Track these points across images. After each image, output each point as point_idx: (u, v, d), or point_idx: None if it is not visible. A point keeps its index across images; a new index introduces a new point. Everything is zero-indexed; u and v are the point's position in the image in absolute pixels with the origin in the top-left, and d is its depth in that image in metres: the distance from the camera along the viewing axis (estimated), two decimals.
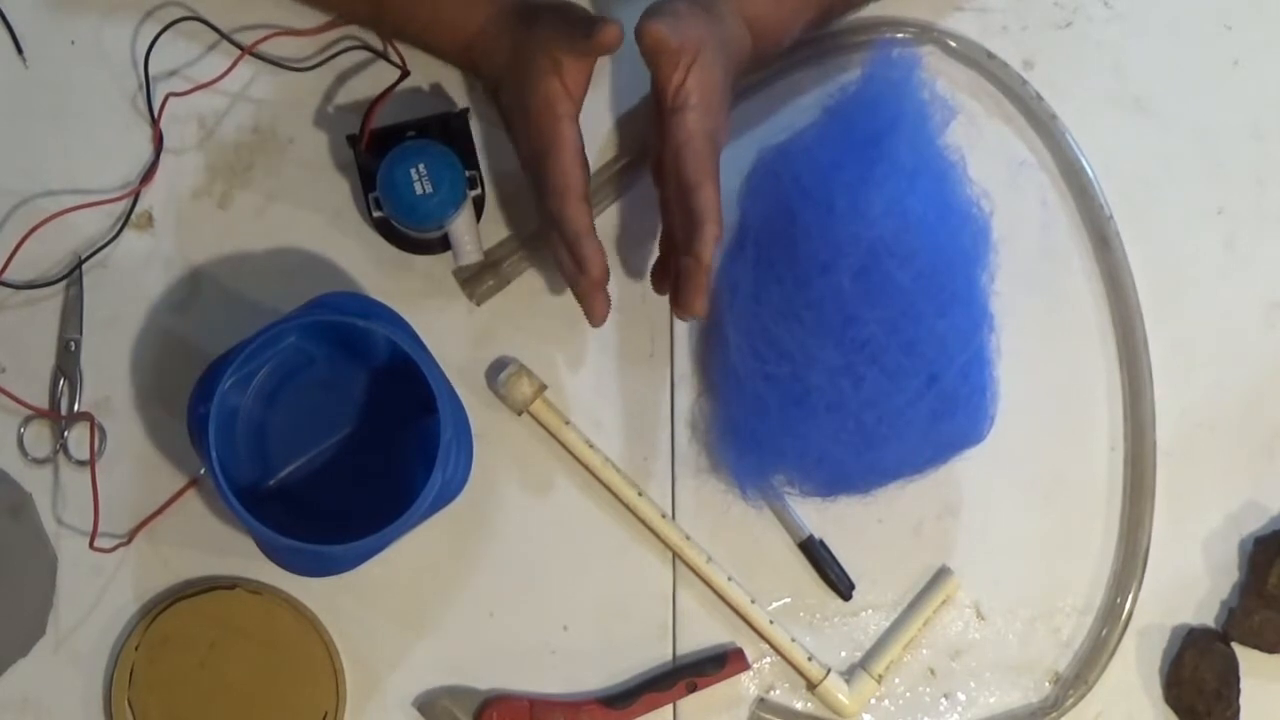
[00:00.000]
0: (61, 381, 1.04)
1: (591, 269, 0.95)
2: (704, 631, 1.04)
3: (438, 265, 1.06)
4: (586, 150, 0.98)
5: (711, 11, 0.97)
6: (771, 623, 1.03)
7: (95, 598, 1.03)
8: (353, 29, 1.07)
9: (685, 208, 0.94)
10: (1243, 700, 1.03)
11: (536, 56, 0.96)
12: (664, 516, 1.04)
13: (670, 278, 0.97)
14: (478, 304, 1.06)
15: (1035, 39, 1.10)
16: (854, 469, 0.98)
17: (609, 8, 1.08)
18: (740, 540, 1.05)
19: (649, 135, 0.99)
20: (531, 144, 0.97)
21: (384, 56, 1.07)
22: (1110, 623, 1.04)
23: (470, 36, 1.02)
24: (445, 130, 1.03)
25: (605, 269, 0.96)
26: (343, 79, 1.08)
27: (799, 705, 1.05)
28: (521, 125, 0.98)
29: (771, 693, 1.05)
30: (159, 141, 1.06)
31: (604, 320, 0.98)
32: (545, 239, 1.00)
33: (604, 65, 1.06)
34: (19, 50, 1.07)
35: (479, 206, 1.04)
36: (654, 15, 0.94)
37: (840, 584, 1.05)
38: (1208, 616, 1.06)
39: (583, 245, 0.95)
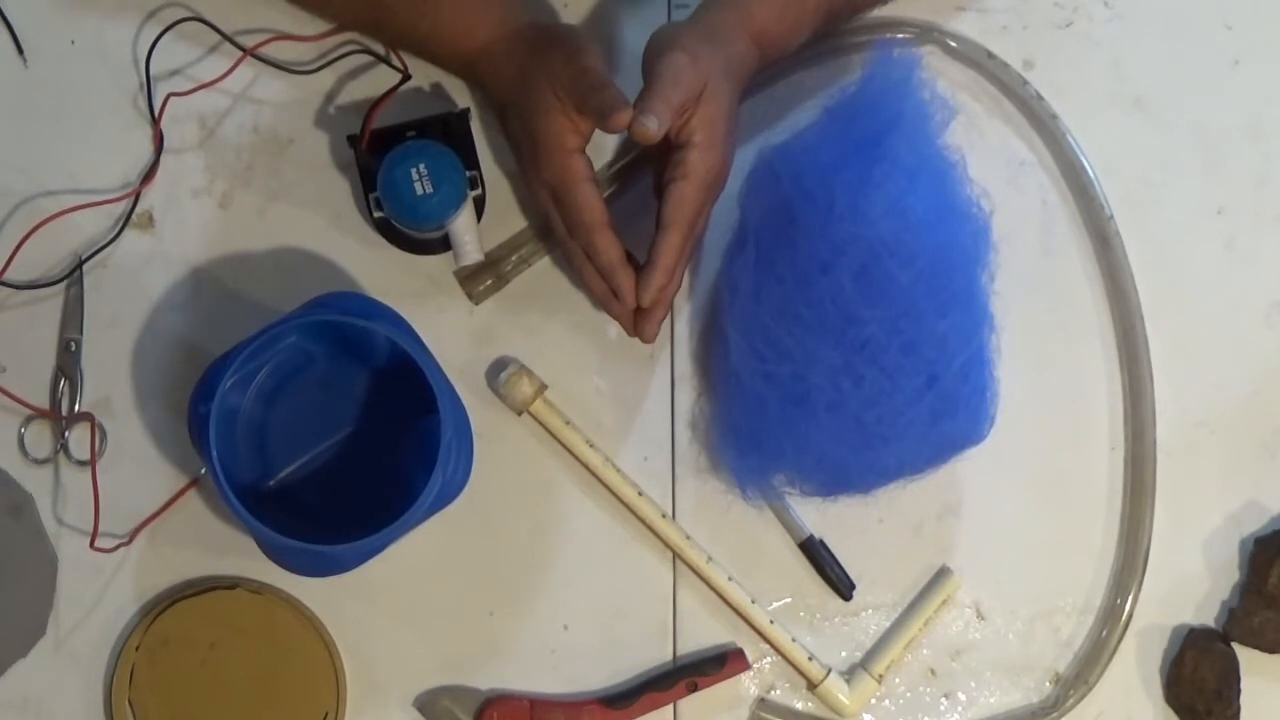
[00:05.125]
0: (62, 381, 1.04)
1: (628, 298, 0.98)
2: (704, 631, 1.04)
3: (438, 265, 1.06)
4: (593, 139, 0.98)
5: (715, 39, 0.98)
6: (772, 623, 1.03)
7: (95, 598, 1.03)
8: (355, 33, 1.07)
9: (651, 243, 0.96)
10: (1243, 700, 1.03)
11: (544, 91, 0.96)
12: (664, 516, 1.04)
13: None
14: (476, 304, 1.06)
15: (1035, 39, 1.10)
16: (854, 469, 0.98)
17: (618, 5, 1.08)
18: (740, 540, 1.05)
19: (651, 151, 0.99)
20: (545, 177, 0.98)
21: (385, 61, 1.07)
22: (1110, 623, 1.04)
23: (472, 53, 1.02)
24: (446, 130, 1.03)
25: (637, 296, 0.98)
26: (344, 80, 1.08)
27: (799, 705, 1.05)
28: (531, 154, 0.99)
29: (772, 693, 1.05)
30: (160, 141, 1.06)
31: (655, 338, 1.00)
32: (570, 264, 1.01)
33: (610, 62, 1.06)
34: (19, 50, 1.07)
35: (479, 206, 1.04)
36: (646, 101, 0.93)
37: (840, 584, 1.05)
38: (1208, 616, 1.06)
39: (618, 276, 0.98)
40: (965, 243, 0.97)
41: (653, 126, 0.92)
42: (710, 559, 1.04)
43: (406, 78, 1.05)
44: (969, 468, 1.03)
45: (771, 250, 0.97)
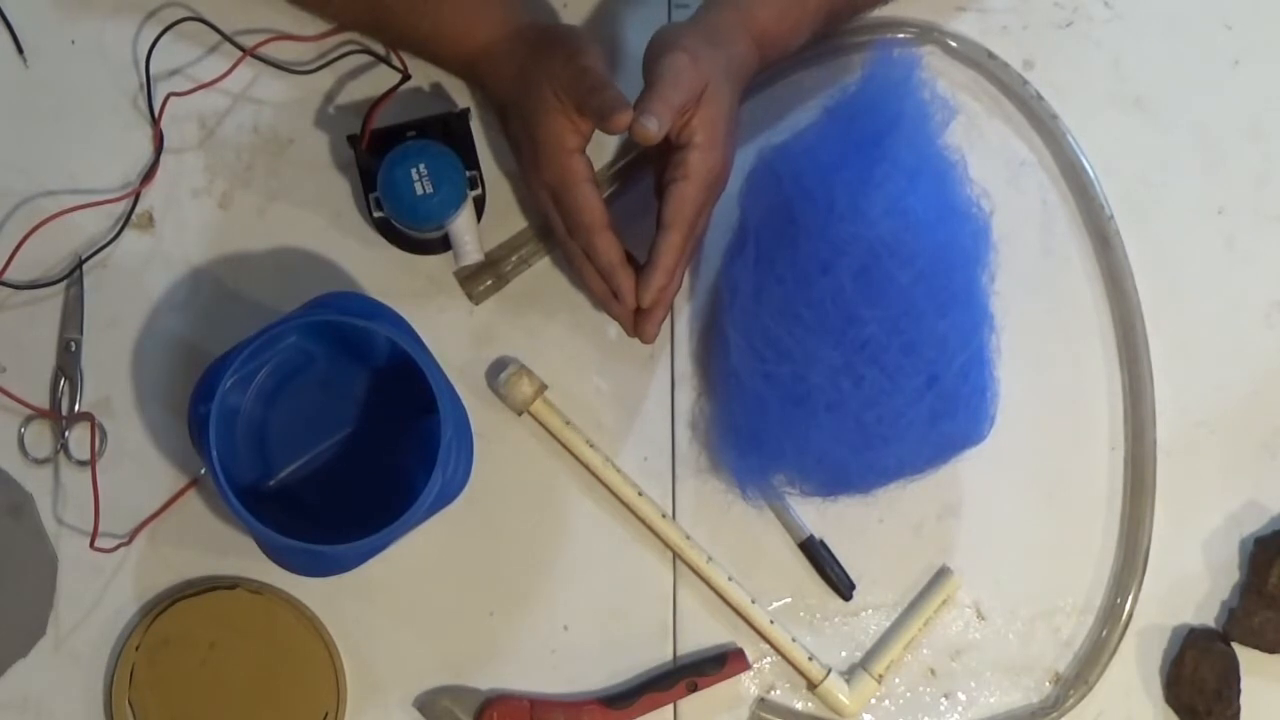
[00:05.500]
0: (62, 381, 1.04)
1: (628, 299, 0.98)
2: (704, 631, 1.04)
3: (438, 265, 1.06)
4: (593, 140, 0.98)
5: (716, 40, 0.98)
6: (772, 623, 1.03)
7: (95, 598, 1.03)
8: (355, 33, 1.07)
9: (652, 243, 0.96)
10: (1243, 700, 1.03)
11: (544, 91, 0.96)
12: (664, 516, 1.04)
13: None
14: (476, 304, 1.06)
15: (1036, 39, 1.10)
16: (854, 469, 0.98)
17: (619, 5, 1.08)
18: (740, 540, 1.05)
19: (652, 151, 0.99)
20: (544, 178, 0.98)
21: (385, 61, 1.07)
22: (1110, 623, 1.04)
23: (473, 53, 1.02)
24: (446, 130, 1.03)
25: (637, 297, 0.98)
26: (344, 80, 1.08)
27: (799, 705, 1.05)
28: (531, 155, 0.99)
29: (772, 693, 1.05)
30: (159, 141, 1.06)
31: (655, 338, 1.00)
32: (570, 264, 1.01)
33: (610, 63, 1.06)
34: (19, 50, 1.07)
35: (479, 206, 1.04)
36: (647, 102, 0.93)
37: (840, 584, 1.05)
38: (1208, 616, 1.06)
39: (617, 276, 0.98)
40: (965, 243, 0.97)
41: (653, 128, 0.92)
42: (710, 559, 1.04)
43: (406, 78, 1.05)
44: (969, 468, 1.03)
45: (771, 250, 0.97)
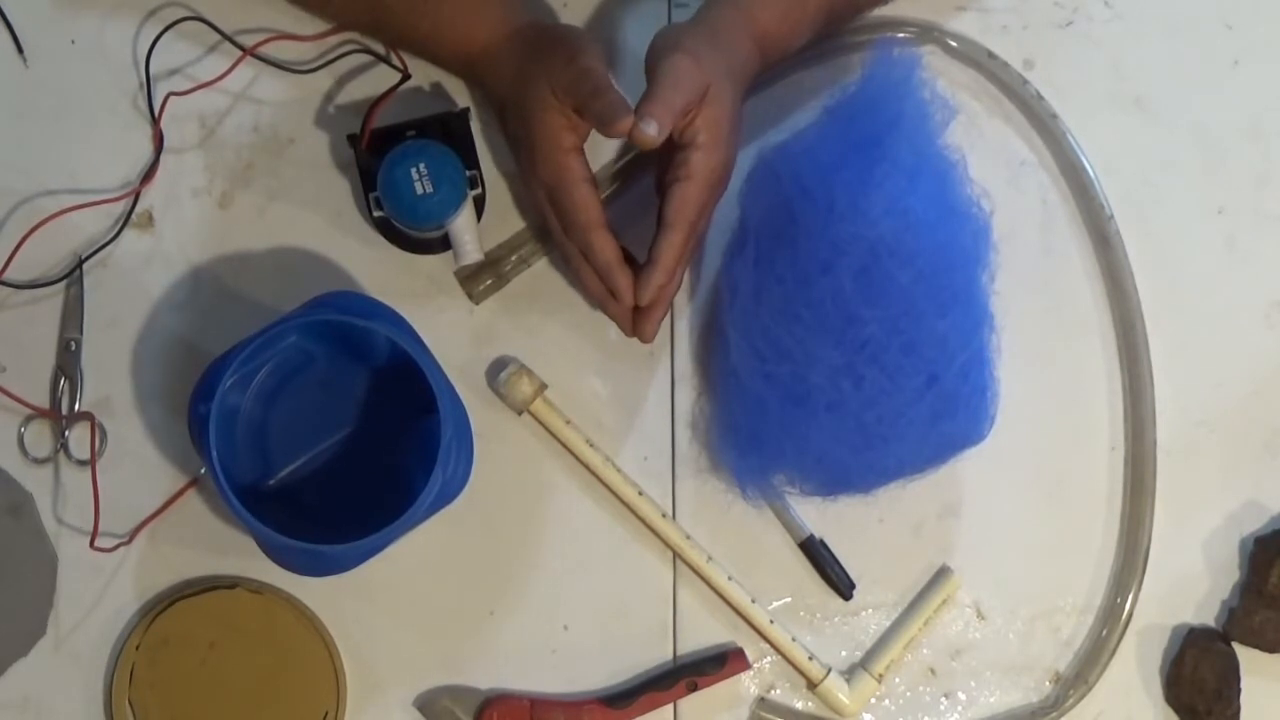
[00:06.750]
0: (62, 381, 1.04)
1: (626, 297, 0.98)
2: (704, 631, 1.04)
3: (438, 265, 1.06)
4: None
5: (717, 40, 0.98)
6: (772, 622, 1.03)
7: (95, 598, 1.03)
8: (355, 33, 1.07)
9: (652, 242, 0.96)
10: (1243, 700, 1.03)
11: (542, 90, 0.96)
12: (664, 516, 1.04)
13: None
14: (476, 303, 1.06)
15: (1036, 39, 1.10)
16: (854, 469, 0.98)
17: (619, 6, 1.08)
18: (740, 540, 1.05)
19: (654, 150, 0.99)
20: (541, 176, 0.98)
21: (385, 60, 1.07)
22: (1110, 623, 1.05)
23: (473, 54, 1.02)
24: (445, 130, 1.03)
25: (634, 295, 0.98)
26: (344, 80, 1.08)
27: (799, 705, 1.05)
28: (528, 154, 0.99)
29: (772, 692, 1.05)
30: (159, 141, 1.06)
31: (654, 338, 1.00)
32: (567, 264, 1.01)
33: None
34: (19, 50, 1.07)
35: (479, 206, 1.04)
36: (647, 105, 0.92)
37: (840, 583, 1.05)
38: (1208, 616, 1.06)
39: (614, 276, 0.97)
40: (965, 243, 0.97)
41: (652, 132, 0.92)
42: (710, 559, 1.04)
43: (406, 77, 1.05)
44: (969, 468, 1.03)
45: (771, 250, 0.97)
